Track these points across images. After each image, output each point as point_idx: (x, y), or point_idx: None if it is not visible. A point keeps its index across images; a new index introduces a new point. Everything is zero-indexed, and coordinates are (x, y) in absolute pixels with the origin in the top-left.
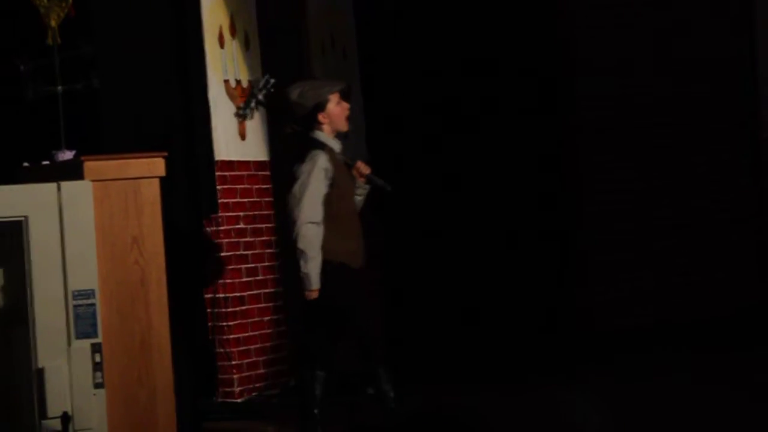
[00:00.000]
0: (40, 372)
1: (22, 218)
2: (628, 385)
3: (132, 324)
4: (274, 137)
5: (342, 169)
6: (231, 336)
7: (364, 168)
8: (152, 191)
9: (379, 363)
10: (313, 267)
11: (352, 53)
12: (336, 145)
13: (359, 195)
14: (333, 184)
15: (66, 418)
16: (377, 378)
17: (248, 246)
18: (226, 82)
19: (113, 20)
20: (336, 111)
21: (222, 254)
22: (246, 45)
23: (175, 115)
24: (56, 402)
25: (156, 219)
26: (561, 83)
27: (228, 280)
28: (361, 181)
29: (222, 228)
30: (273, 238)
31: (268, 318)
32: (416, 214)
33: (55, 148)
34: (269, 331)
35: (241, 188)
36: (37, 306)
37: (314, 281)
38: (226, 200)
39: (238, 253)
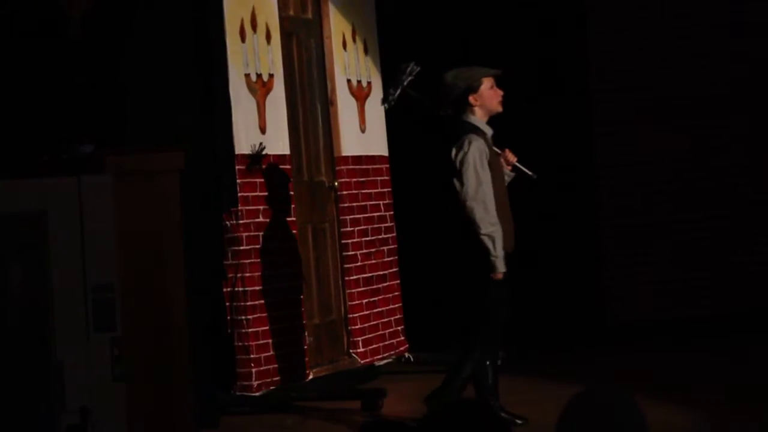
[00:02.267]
0: (59, 365)
1: (43, 212)
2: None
3: (151, 317)
4: (293, 129)
5: (494, 153)
6: (250, 330)
7: (511, 156)
8: (172, 185)
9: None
10: (500, 248)
11: (374, 48)
12: (488, 130)
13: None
14: (488, 168)
15: (85, 412)
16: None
17: (267, 239)
18: (247, 76)
19: (135, 13)
20: (489, 93)
21: (241, 248)
22: (267, 39)
23: (196, 108)
24: (75, 395)
25: (175, 213)
26: (577, 76)
27: (247, 274)
28: (507, 168)
29: (242, 221)
30: (293, 231)
31: (287, 312)
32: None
33: (77, 141)
34: (288, 325)
35: (260, 182)
36: (57, 299)
37: (502, 264)
38: (245, 194)
39: (257, 246)
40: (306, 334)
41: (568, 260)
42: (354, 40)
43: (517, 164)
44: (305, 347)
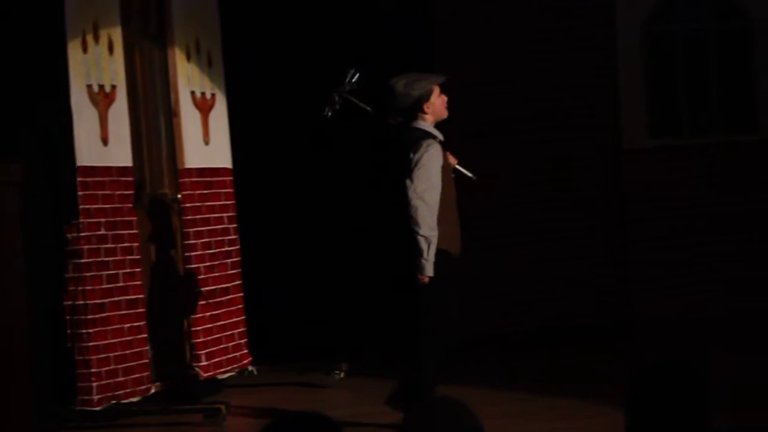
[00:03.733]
0: None
1: None
2: None
3: None
4: (136, 141)
5: (446, 157)
6: (90, 343)
7: (452, 159)
8: (10, 197)
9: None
10: (432, 253)
11: (218, 60)
12: (440, 135)
13: None
14: (441, 174)
15: None
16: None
17: (109, 252)
18: (89, 87)
19: None
20: (439, 101)
21: (82, 261)
22: (110, 50)
23: (36, 120)
24: None
25: (14, 225)
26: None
27: (88, 287)
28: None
29: (83, 234)
30: (135, 244)
31: (129, 325)
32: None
33: None
34: (130, 338)
35: (102, 194)
36: None
37: (431, 268)
38: (87, 206)
39: (98, 259)
40: (148, 347)
41: None
42: (198, 52)
43: (458, 167)
44: (147, 361)
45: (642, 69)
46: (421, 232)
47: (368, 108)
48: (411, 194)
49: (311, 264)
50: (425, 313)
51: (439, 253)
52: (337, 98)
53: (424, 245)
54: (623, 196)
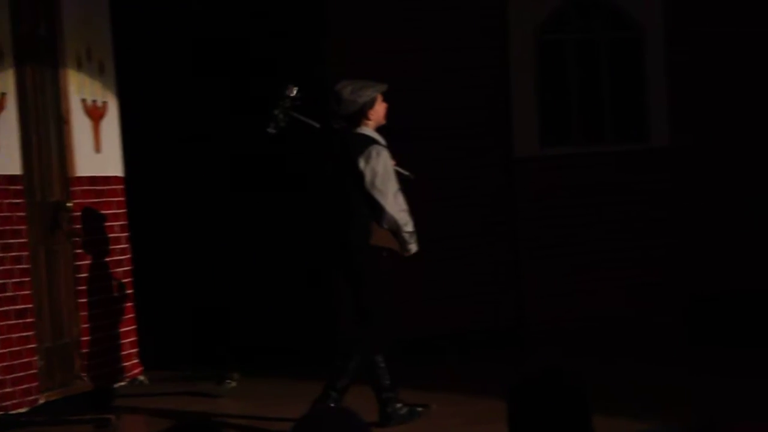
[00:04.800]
0: None
1: None
2: None
3: None
4: (26, 149)
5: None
6: None
7: (391, 161)
8: None
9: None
10: (415, 238)
11: (110, 67)
12: (382, 140)
13: None
14: None
15: None
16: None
17: None
18: None
19: None
20: (381, 108)
21: None
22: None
23: None
24: None
25: None
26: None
27: None
28: None
29: None
30: (24, 253)
31: (17, 335)
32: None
33: None
34: (18, 348)
35: None
36: None
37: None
38: None
39: None
40: (37, 357)
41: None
42: (89, 60)
43: (396, 167)
44: (36, 371)
45: (534, 78)
46: (408, 229)
47: (312, 122)
48: (388, 207)
49: (204, 272)
50: (372, 307)
51: (388, 251)
52: (280, 115)
53: (412, 239)
54: (515, 204)
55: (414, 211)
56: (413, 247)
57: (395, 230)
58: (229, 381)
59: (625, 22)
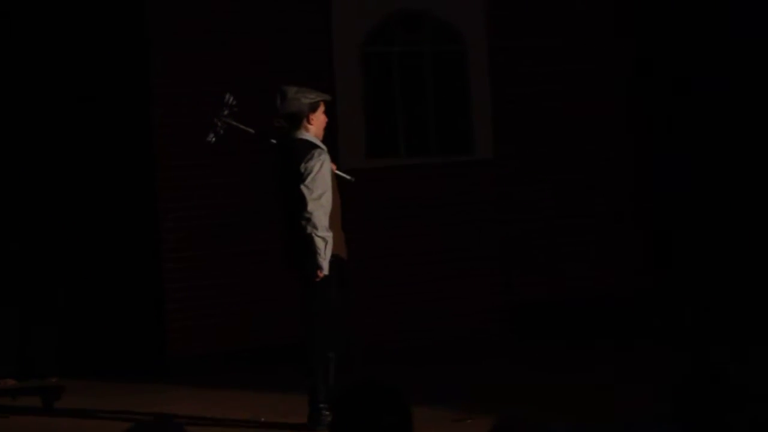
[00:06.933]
0: None
1: None
2: None
3: None
4: None
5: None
6: None
7: (332, 165)
8: None
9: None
10: (329, 252)
11: None
12: (324, 146)
13: None
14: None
15: None
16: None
17: None
18: None
19: None
20: (322, 117)
21: None
22: None
23: None
24: None
25: None
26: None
27: None
28: None
29: None
30: None
31: None
32: None
33: None
34: None
35: None
36: None
37: (327, 266)
38: None
39: None
40: None
41: (130, 289)
42: None
43: (337, 171)
44: None
45: (359, 90)
46: (319, 233)
47: (250, 130)
48: (309, 200)
49: (51, 277)
50: (317, 311)
51: (334, 257)
52: (218, 123)
53: (321, 245)
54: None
55: (234, 221)
56: (324, 264)
57: (311, 231)
58: (55, 396)
59: (449, 35)
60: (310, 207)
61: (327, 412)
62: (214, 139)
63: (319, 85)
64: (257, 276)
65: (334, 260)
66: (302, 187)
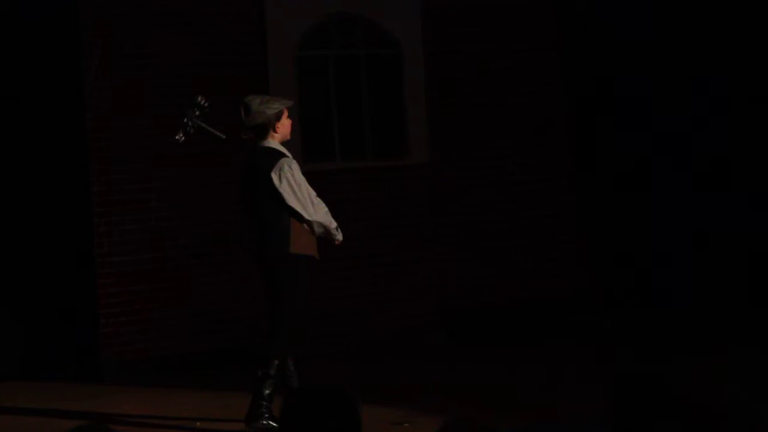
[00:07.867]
0: None
1: None
2: None
3: None
4: None
5: None
6: None
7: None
8: None
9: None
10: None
11: None
12: (288, 153)
13: None
14: None
15: None
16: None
17: None
18: None
19: None
20: (287, 122)
21: None
22: None
23: None
24: None
25: None
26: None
27: None
28: None
29: None
30: None
31: None
32: None
33: None
34: None
35: None
36: None
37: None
38: None
39: None
40: None
41: (64, 293)
42: None
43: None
44: None
45: (295, 94)
46: (334, 225)
47: (219, 133)
48: (306, 215)
49: None
50: (286, 311)
51: (304, 258)
52: (188, 123)
53: (339, 232)
54: None
55: (168, 225)
56: (340, 236)
57: (325, 234)
58: None
59: (385, 39)
60: (314, 218)
61: (266, 411)
62: (182, 138)
63: (253, 88)
64: (192, 280)
65: (308, 261)
66: (297, 206)
